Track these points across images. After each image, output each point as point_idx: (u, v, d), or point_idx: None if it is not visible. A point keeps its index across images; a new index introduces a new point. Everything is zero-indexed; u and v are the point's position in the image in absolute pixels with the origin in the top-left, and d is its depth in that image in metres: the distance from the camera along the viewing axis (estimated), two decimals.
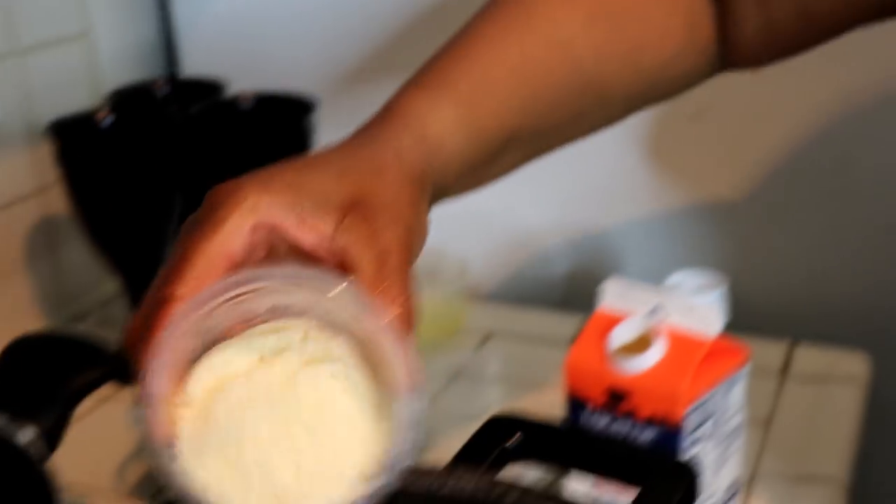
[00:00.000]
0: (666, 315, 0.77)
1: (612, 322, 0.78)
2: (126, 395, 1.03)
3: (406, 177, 0.59)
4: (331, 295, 0.51)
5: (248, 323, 0.51)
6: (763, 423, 0.95)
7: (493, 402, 0.65)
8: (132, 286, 1.08)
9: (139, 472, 0.93)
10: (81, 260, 1.22)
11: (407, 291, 0.55)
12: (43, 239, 1.18)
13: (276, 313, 0.51)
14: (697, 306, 0.76)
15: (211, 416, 0.50)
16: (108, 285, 1.24)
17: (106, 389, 1.04)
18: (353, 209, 0.55)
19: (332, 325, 0.51)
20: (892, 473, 1.13)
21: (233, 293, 0.51)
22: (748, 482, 0.88)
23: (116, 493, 0.90)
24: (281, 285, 0.51)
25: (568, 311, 1.15)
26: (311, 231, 0.54)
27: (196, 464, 0.49)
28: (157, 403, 0.50)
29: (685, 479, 0.55)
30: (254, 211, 0.54)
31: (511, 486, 0.56)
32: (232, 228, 0.53)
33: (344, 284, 0.51)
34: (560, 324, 1.12)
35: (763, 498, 0.87)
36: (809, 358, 1.05)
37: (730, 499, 0.82)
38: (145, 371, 0.50)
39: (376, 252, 0.54)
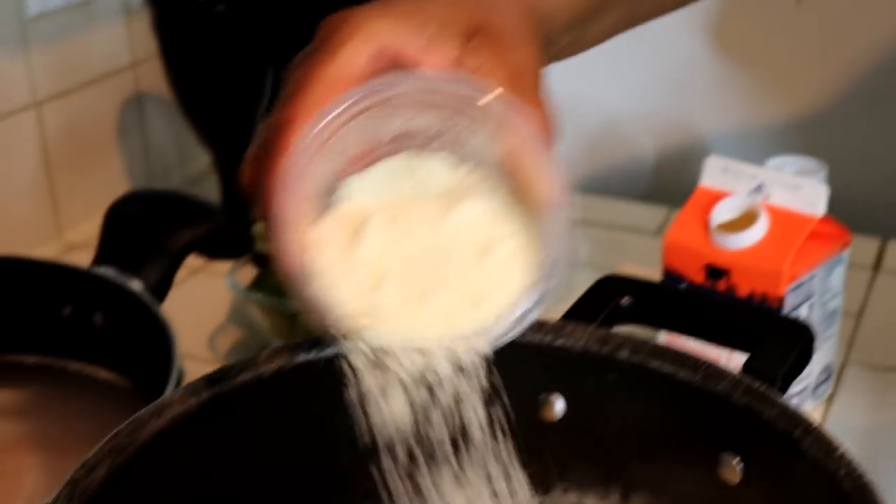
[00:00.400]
0: (769, 194, 0.77)
1: (713, 199, 0.78)
2: (217, 266, 1.05)
3: (522, 13, 0.56)
4: (465, 110, 0.48)
5: (374, 153, 0.49)
6: (855, 316, 0.95)
7: (577, 285, 0.65)
8: (223, 161, 1.08)
9: (231, 340, 0.95)
10: (171, 137, 1.23)
11: (547, 107, 0.52)
12: (135, 114, 1.19)
13: (405, 139, 0.49)
14: (803, 185, 0.76)
15: (347, 246, 0.49)
16: (197, 163, 1.26)
17: (197, 261, 1.06)
18: (478, 33, 0.52)
19: (470, 147, 0.49)
20: None
21: (361, 105, 0.47)
22: (839, 369, 0.88)
23: (209, 360, 0.92)
24: (412, 98, 0.48)
25: (653, 203, 1.15)
26: (436, 54, 0.50)
27: (332, 294, 0.48)
28: (287, 229, 0.47)
29: (803, 338, 0.55)
30: (373, 35, 0.50)
31: (624, 341, 0.56)
32: (351, 52, 0.49)
33: (481, 96, 0.48)
34: (645, 215, 1.12)
35: (853, 384, 0.86)
36: None
37: (823, 382, 0.82)
38: (271, 196, 0.47)
39: (509, 71, 0.51)
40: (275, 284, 0.86)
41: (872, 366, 0.89)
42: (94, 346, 0.72)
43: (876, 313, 0.95)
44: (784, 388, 0.54)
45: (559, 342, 0.58)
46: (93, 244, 0.77)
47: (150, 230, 0.74)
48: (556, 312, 0.62)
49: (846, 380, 0.87)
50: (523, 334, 0.58)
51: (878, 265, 1.02)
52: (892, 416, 0.84)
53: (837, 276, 0.79)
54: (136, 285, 0.71)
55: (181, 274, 1.06)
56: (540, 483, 0.62)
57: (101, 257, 0.74)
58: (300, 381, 0.57)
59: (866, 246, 1.04)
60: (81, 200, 1.12)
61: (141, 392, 0.70)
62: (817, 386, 0.82)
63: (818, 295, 0.77)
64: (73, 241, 1.10)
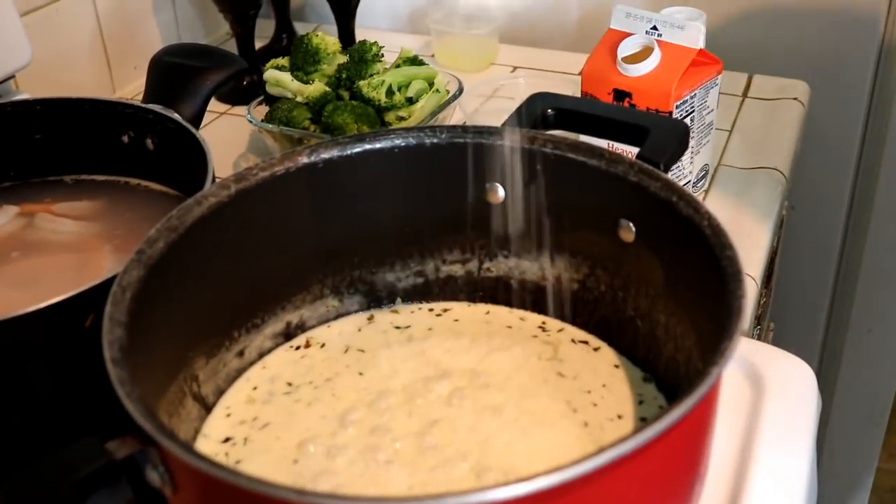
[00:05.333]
0: (662, 33, 0.78)
1: (619, 38, 0.79)
2: (236, 110, 1.05)
3: None
4: None
5: None
6: (727, 131, 0.97)
7: (514, 104, 0.66)
8: (239, 24, 1.05)
9: (250, 163, 0.96)
10: (196, 12, 1.22)
11: None
12: None
13: None
14: (686, 25, 0.77)
15: None
16: (217, 34, 1.25)
17: (222, 107, 1.06)
18: None
19: None
20: (819, 167, 1.15)
21: None
22: (714, 169, 0.90)
23: None
24: None
25: (576, 51, 1.15)
26: None
27: None
28: None
29: (679, 132, 0.57)
30: None
31: (548, 139, 0.58)
32: None
33: None
34: (570, 60, 1.12)
35: (726, 179, 0.89)
36: (765, 85, 1.05)
37: (702, 178, 0.85)
38: None
39: None
40: (282, 117, 0.87)
41: (737, 167, 0.91)
42: (148, 165, 0.72)
43: (742, 129, 0.98)
44: (666, 169, 0.56)
45: (500, 142, 0.59)
46: (140, 98, 0.77)
47: (184, 74, 0.74)
48: (498, 121, 0.64)
49: (720, 175, 0.90)
50: (471, 136, 0.60)
51: (745, 93, 1.04)
52: (748, 199, 0.87)
53: (712, 96, 0.81)
54: (176, 117, 0.72)
55: (209, 116, 1.07)
56: (486, 252, 0.64)
57: (148, 97, 0.75)
58: (304, 177, 0.59)
59: (737, 78, 1.05)
60: (128, 64, 1.12)
61: (185, 199, 0.71)
62: (697, 181, 0.84)
63: (698, 110, 0.79)
64: (125, 96, 1.09)
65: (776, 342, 1.03)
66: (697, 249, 0.50)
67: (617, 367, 0.59)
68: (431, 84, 0.90)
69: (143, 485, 0.52)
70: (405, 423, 0.56)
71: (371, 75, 0.88)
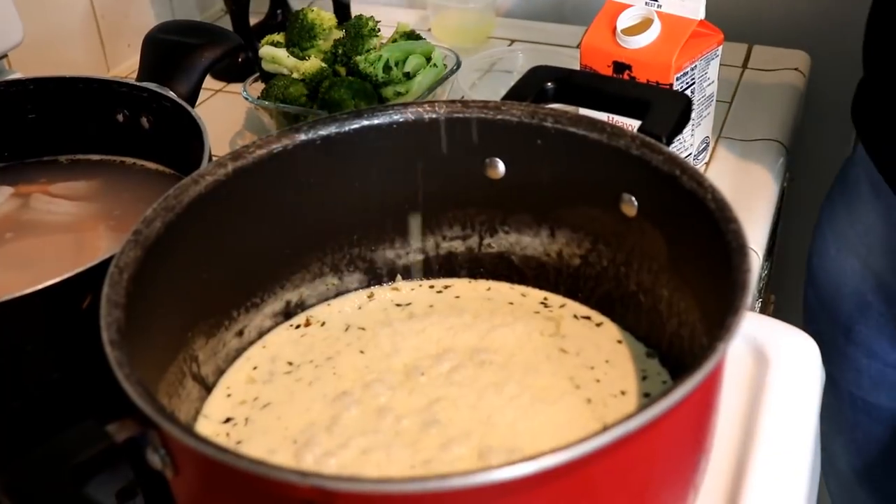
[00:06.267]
0: (661, 4, 0.77)
1: (618, 10, 0.78)
2: (232, 87, 1.04)
3: None
4: None
5: None
6: (727, 103, 0.96)
7: (514, 78, 0.65)
8: (234, 2, 1.04)
9: (247, 141, 0.95)
10: None
11: None
12: None
13: None
14: None
15: None
16: (212, 10, 1.23)
17: (217, 84, 1.05)
18: None
19: None
20: (819, 138, 1.14)
21: None
22: (714, 141, 0.89)
23: None
24: None
25: (573, 24, 1.13)
26: None
27: None
28: None
29: (682, 104, 0.56)
30: None
31: (549, 112, 0.57)
32: None
33: None
34: (567, 32, 1.11)
35: (726, 150, 0.88)
36: (764, 55, 1.04)
37: (702, 151, 0.84)
38: None
39: None
40: (278, 93, 0.86)
41: (738, 139, 0.91)
42: (144, 144, 0.71)
43: (742, 101, 0.97)
44: (669, 142, 0.55)
45: (499, 117, 0.58)
46: (134, 76, 0.76)
47: (179, 51, 0.73)
48: (496, 96, 0.63)
49: (721, 146, 0.89)
50: (471, 111, 0.59)
51: (745, 64, 1.03)
52: (748, 171, 0.86)
53: (713, 67, 0.80)
54: (172, 95, 0.70)
55: (204, 94, 1.05)
56: (487, 228, 0.64)
57: (143, 75, 0.73)
58: (302, 155, 0.58)
59: (737, 49, 1.04)
60: (122, 42, 1.11)
61: (182, 178, 0.70)
62: (698, 154, 0.83)
63: (698, 82, 0.78)
64: (119, 74, 1.08)
65: (777, 314, 1.03)
66: (701, 223, 0.49)
67: (620, 342, 0.59)
68: (429, 59, 0.89)
69: (144, 467, 0.51)
70: (407, 401, 0.55)
71: (368, 51, 0.87)
